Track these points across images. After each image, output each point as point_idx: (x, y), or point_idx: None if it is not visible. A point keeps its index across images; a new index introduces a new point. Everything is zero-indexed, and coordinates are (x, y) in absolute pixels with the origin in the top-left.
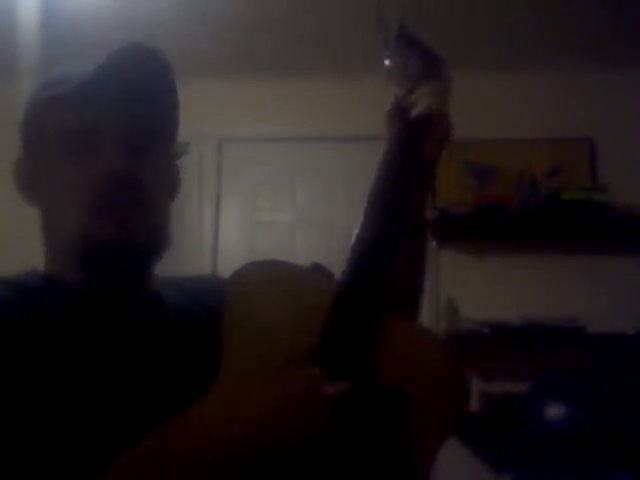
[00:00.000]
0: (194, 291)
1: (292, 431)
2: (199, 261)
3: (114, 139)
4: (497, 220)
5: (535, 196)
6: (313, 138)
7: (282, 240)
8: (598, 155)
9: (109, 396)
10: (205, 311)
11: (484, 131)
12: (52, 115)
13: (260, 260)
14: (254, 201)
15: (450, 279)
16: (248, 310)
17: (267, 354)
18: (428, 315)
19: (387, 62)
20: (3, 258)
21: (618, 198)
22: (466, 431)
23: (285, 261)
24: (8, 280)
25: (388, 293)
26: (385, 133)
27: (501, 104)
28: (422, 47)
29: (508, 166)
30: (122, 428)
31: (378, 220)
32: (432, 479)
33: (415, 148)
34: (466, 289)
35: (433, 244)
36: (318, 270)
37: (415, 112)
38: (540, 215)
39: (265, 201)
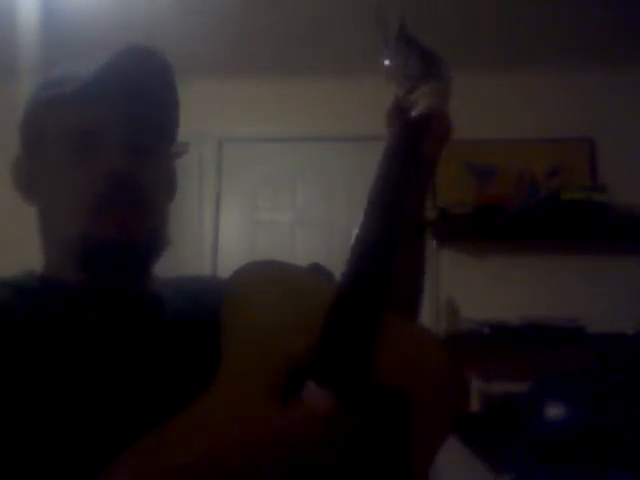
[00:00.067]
0: (194, 291)
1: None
2: (199, 261)
3: (115, 139)
4: (497, 220)
5: (535, 196)
6: (313, 138)
7: (282, 240)
8: (598, 155)
9: (108, 396)
10: (204, 311)
11: (484, 131)
12: (52, 115)
13: (259, 260)
14: (254, 201)
15: (450, 279)
16: (248, 310)
17: (267, 354)
18: (428, 315)
19: (387, 62)
20: (3, 258)
21: (618, 198)
22: (466, 431)
23: (284, 261)
24: (5, 281)
25: (388, 293)
26: (385, 133)
27: (501, 104)
28: (422, 47)
29: (508, 166)
30: (121, 428)
31: (378, 220)
32: (431, 479)
33: (415, 148)
34: (466, 289)
35: (433, 244)
36: (318, 270)
37: (415, 112)
38: (540, 215)
39: (265, 201)
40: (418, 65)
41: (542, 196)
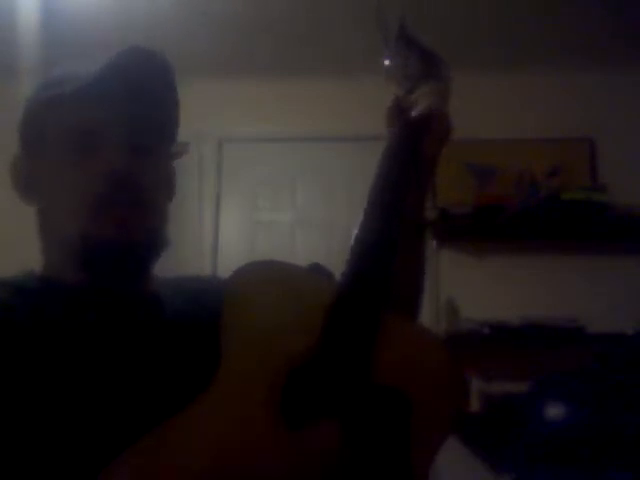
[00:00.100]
0: (193, 291)
1: None
2: (199, 261)
3: (115, 139)
4: (497, 220)
5: (535, 196)
6: (313, 138)
7: (282, 240)
8: (598, 155)
9: (108, 396)
10: (204, 311)
11: (484, 131)
12: (52, 115)
13: (259, 260)
14: (254, 201)
15: (450, 279)
16: (247, 310)
17: (267, 354)
18: (428, 315)
19: (387, 62)
20: (3, 258)
21: (618, 198)
22: (466, 431)
23: (284, 261)
24: (5, 282)
25: (388, 293)
26: (385, 133)
27: (501, 104)
28: (422, 47)
29: (508, 166)
30: (121, 427)
31: (378, 220)
32: (431, 479)
33: (415, 148)
34: (466, 289)
35: (433, 244)
36: (317, 270)
37: (415, 112)
38: (540, 215)
39: (265, 201)
40: (418, 65)
41: (542, 196)
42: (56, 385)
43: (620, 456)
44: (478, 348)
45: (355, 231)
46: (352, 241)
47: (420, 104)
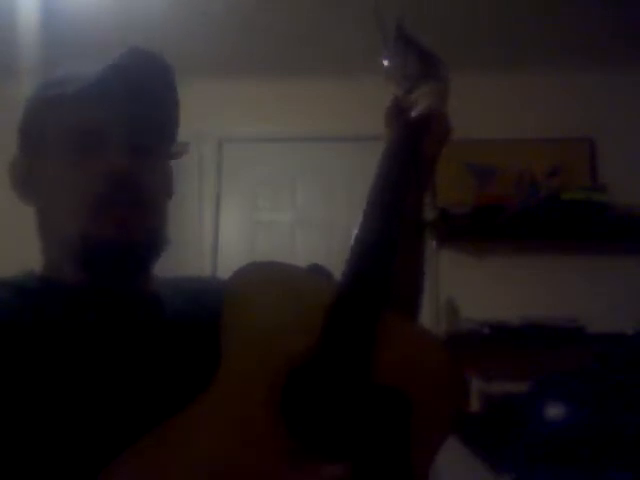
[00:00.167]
0: (193, 291)
1: None
2: (199, 261)
3: (115, 140)
4: (497, 220)
5: (535, 196)
6: (313, 138)
7: (282, 240)
8: (598, 155)
9: (108, 396)
10: (204, 311)
11: (484, 131)
12: (53, 115)
13: (259, 261)
14: (254, 201)
15: (450, 279)
16: (248, 310)
17: (267, 354)
18: (428, 315)
19: (385, 62)
20: (3, 258)
21: (618, 198)
22: (466, 431)
23: (284, 262)
24: (5, 281)
25: (388, 293)
26: (385, 133)
27: (501, 104)
28: (420, 47)
29: (508, 166)
30: (121, 427)
31: (378, 220)
32: (431, 479)
33: (415, 148)
34: (466, 289)
35: (433, 244)
36: (317, 271)
37: (415, 112)
38: (540, 215)
39: (265, 201)
40: (417, 65)
41: (542, 196)
42: (56, 385)
43: (620, 456)
44: (478, 348)
45: (355, 231)
46: (352, 241)
47: (419, 104)
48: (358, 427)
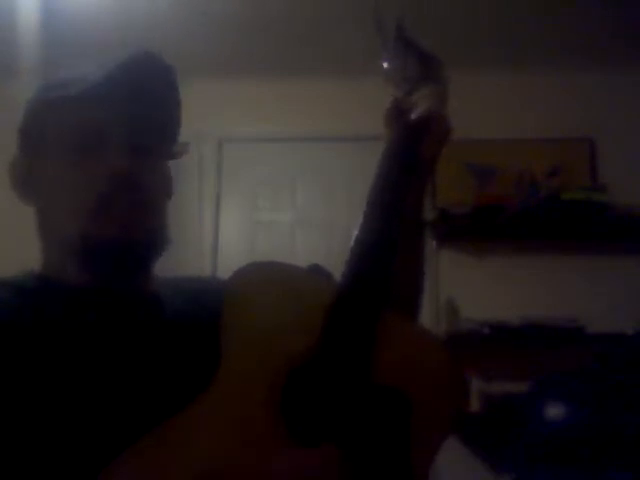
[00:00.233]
0: (193, 291)
1: None
2: (199, 261)
3: (116, 140)
4: (497, 220)
5: (535, 196)
6: (313, 138)
7: (282, 240)
8: (598, 155)
9: (108, 396)
10: (204, 311)
11: (484, 131)
12: (54, 115)
13: (259, 261)
14: (254, 201)
15: (450, 279)
16: (248, 310)
17: (267, 354)
18: (428, 315)
19: (385, 64)
20: (3, 258)
21: (618, 198)
22: (466, 431)
23: (284, 262)
24: (5, 281)
25: (388, 293)
26: (384, 133)
27: (501, 104)
28: (419, 49)
29: (508, 166)
30: (122, 427)
31: (378, 220)
32: (431, 479)
33: (414, 149)
34: (466, 289)
35: (433, 244)
36: (317, 271)
37: (415, 114)
38: (540, 215)
39: (265, 201)
40: (416, 67)
41: (542, 196)
42: (56, 385)
43: (620, 456)
44: (478, 348)
45: (355, 231)
46: (352, 241)
47: (419, 106)
48: (358, 427)
